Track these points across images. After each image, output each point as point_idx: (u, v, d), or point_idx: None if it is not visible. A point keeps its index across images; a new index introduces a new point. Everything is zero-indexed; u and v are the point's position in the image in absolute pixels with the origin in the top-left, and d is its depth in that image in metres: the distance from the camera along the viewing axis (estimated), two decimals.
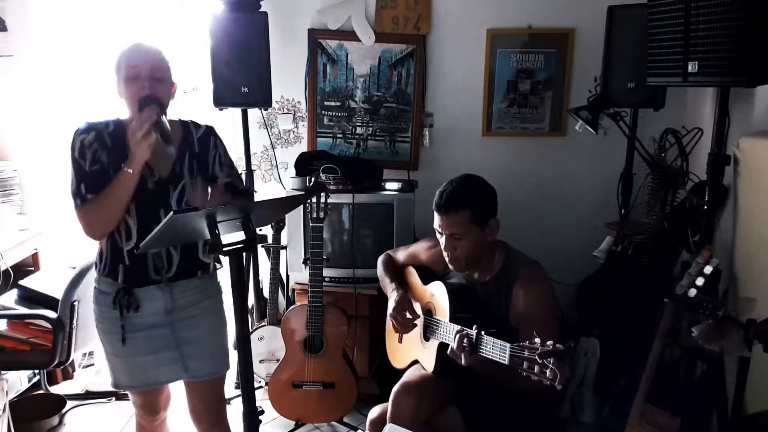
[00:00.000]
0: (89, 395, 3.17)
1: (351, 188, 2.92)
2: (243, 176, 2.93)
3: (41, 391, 3.13)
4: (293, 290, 3.11)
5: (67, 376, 3.33)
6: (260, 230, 3.05)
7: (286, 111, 3.44)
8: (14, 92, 3.23)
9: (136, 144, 1.71)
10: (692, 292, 1.77)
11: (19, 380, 3.12)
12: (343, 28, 3.29)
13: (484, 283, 2.09)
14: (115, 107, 1.90)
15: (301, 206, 2.86)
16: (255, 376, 1.79)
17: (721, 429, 2.05)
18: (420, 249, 2.34)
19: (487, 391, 1.94)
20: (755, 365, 1.84)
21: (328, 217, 2.66)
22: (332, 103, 3.40)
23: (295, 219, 3.00)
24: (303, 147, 3.45)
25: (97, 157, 1.81)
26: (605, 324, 2.90)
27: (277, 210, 2.27)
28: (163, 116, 1.74)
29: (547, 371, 1.55)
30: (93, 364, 3.41)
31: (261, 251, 3.37)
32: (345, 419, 2.88)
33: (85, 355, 3.40)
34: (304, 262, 2.90)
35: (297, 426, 2.88)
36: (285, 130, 3.48)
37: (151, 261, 1.86)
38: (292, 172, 3.18)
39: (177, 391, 2.12)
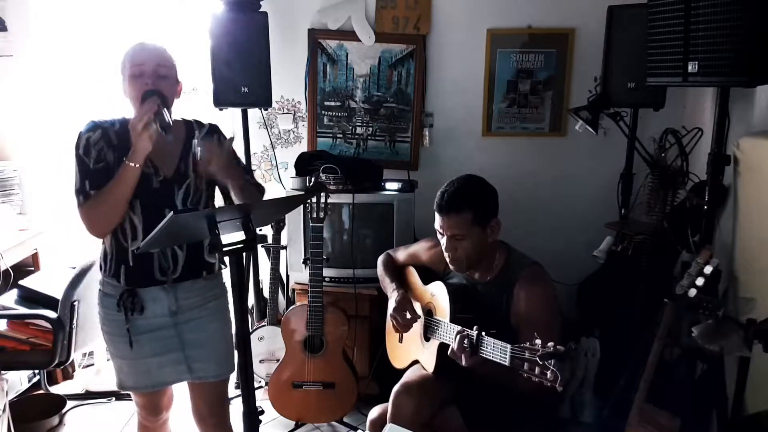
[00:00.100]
0: (89, 395, 3.17)
1: (351, 188, 2.92)
2: None
3: (41, 391, 3.13)
4: (293, 290, 3.11)
5: (67, 376, 3.33)
6: (260, 230, 3.05)
7: (286, 111, 3.44)
8: (14, 92, 3.23)
9: (137, 136, 1.70)
10: (692, 292, 1.77)
11: (19, 380, 3.12)
12: (343, 28, 3.29)
13: (484, 284, 2.08)
14: (116, 107, 1.90)
15: (301, 206, 2.86)
16: (255, 376, 1.78)
17: (721, 429, 2.05)
18: (420, 249, 2.34)
19: (488, 391, 1.94)
20: (755, 365, 1.84)
21: (328, 217, 2.66)
22: (332, 103, 3.40)
23: (295, 219, 3.00)
24: (303, 147, 3.45)
25: (102, 155, 1.80)
26: (605, 324, 2.90)
27: (277, 210, 2.26)
28: (165, 109, 1.73)
29: (548, 373, 1.54)
30: (93, 364, 3.41)
31: (261, 251, 3.38)
32: (345, 419, 2.88)
33: (85, 355, 3.40)
34: (304, 262, 2.90)
35: (297, 426, 2.88)
36: (285, 130, 3.48)
37: (156, 261, 1.85)
38: (292, 172, 3.18)
39: (179, 392, 2.12)
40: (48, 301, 2.65)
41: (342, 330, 2.75)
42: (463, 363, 1.82)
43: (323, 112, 3.41)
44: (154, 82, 1.77)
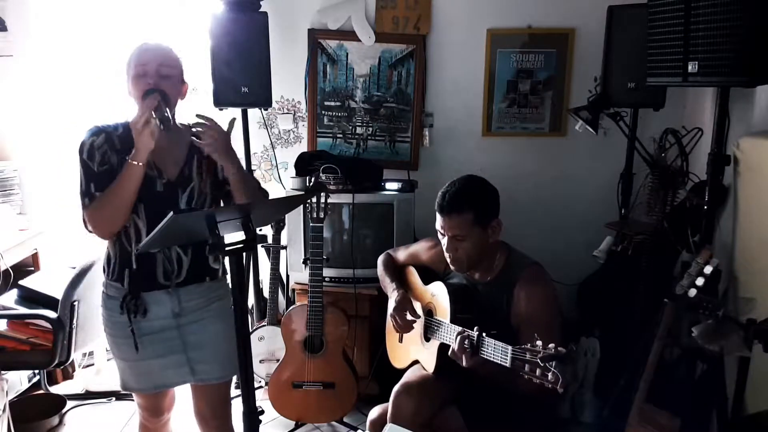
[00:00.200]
0: (89, 395, 3.17)
1: (351, 188, 2.92)
2: None
3: (41, 391, 3.13)
4: (293, 290, 3.11)
5: (67, 376, 3.33)
6: (260, 230, 3.05)
7: (286, 111, 3.45)
8: (14, 92, 3.23)
9: (138, 133, 1.70)
10: (692, 292, 1.77)
11: (19, 380, 3.12)
12: (343, 28, 3.29)
13: (485, 284, 2.08)
14: (116, 106, 1.90)
15: (301, 206, 2.86)
16: (255, 376, 1.78)
17: (721, 429, 2.05)
18: (420, 249, 2.33)
19: (488, 391, 1.94)
20: (755, 365, 1.84)
21: (328, 217, 2.66)
22: (332, 103, 3.40)
23: (295, 219, 3.00)
24: (303, 147, 3.45)
25: (106, 159, 1.81)
26: (605, 324, 2.90)
27: (277, 210, 2.26)
28: (165, 106, 1.73)
29: (549, 374, 1.54)
30: (93, 364, 3.41)
31: (261, 251, 3.37)
32: (345, 419, 2.88)
33: (85, 355, 3.40)
34: (304, 262, 2.90)
35: (297, 426, 2.88)
36: (285, 130, 3.48)
37: (160, 266, 1.85)
38: (292, 172, 3.18)
39: (180, 392, 2.12)
40: (48, 301, 2.65)
41: (342, 330, 2.75)
42: (464, 364, 1.81)
43: (323, 112, 3.41)
44: (157, 81, 1.77)
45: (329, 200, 2.65)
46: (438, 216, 2.01)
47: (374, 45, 3.29)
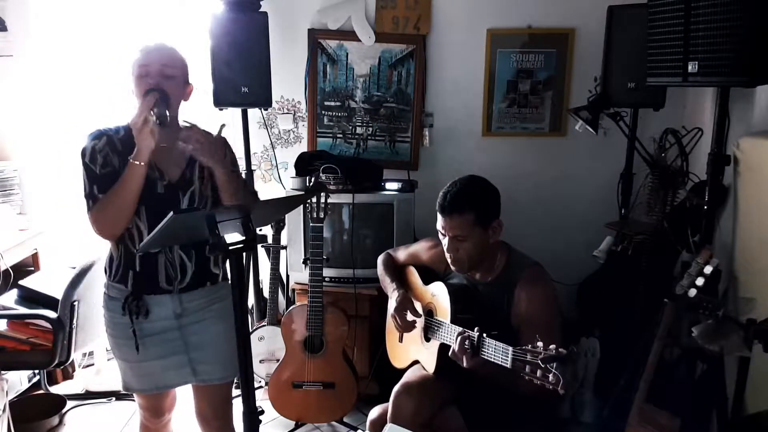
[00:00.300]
0: (89, 395, 3.17)
1: (351, 188, 2.92)
2: (244, 176, 2.93)
3: (41, 391, 3.13)
4: (293, 290, 3.11)
5: (67, 376, 3.33)
6: (260, 230, 3.05)
7: (286, 111, 3.45)
8: (14, 92, 3.22)
9: (137, 131, 1.71)
10: (692, 292, 1.77)
11: (19, 380, 3.12)
12: (343, 28, 3.29)
13: (485, 284, 2.08)
14: (116, 106, 1.90)
15: (301, 206, 2.86)
16: (255, 376, 1.78)
17: (721, 429, 2.05)
18: (421, 249, 2.33)
19: (488, 391, 1.94)
20: (755, 365, 1.84)
21: (328, 217, 2.66)
22: (332, 103, 3.40)
23: (295, 219, 3.00)
24: (303, 147, 3.45)
25: (108, 161, 1.81)
26: (605, 324, 2.90)
27: (277, 210, 2.26)
28: (164, 104, 1.73)
29: (550, 376, 1.54)
30: (93, 364, 3.41)
31: (261, 251, 3.37)
32: (345, 419, 2.88)
33: (85, 355, 3.40)
34: (304, 262, 2.90)
35: (297, 426, 2.88)
36: (285, 130, 3.48)
37: (163, 270, 1.86)
38: (292, 172, 3.18)
39: (181, 392, 2.12)
40: (48, 301, 2.65)
41: (342, 330, 2.75)
42: (465, 364, 1.81)
43: (323, 112, 3.41)
44: (159, 81, 1.77)
45: (329, 200, 2.65)
46: (439, 216, 2.01)
47: (374, 45, 3.29)
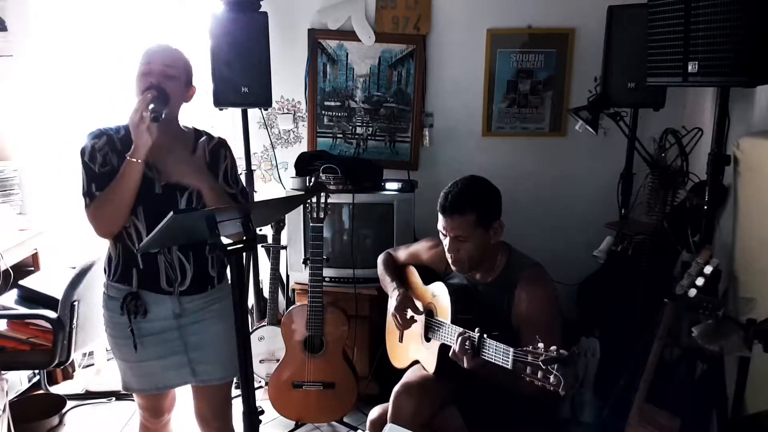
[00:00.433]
0: (89, 395, 3.17)
1: (351, 188, 2.92)
2: (243, 178, 2.93)
3: (41, 391, 3.13)
4: (293, 290, 3.11)
5: (67, 376, 3.33)
6: (260, 230, 3.05)
7: (286, 111, 3.44)
8: (14, 92, 3.22)
9: (134, 128, 1.71)
10: (692, 292, 1.77)
11: (19, 380, 3.12)
12: (343, 28, 3.29)
13: (485, 285, 2.08)
14: (116, 106, 1.90)
15: (301, 206, 2.86)
16: (255, 376, 1.78)
17: (721, 429, 2.05)
18: (421, 249, 2.33)
19: (488, 391, 1.94)
20: (755, 365, 1.84)
21: (328, 217, 2.66)
22: (332, 103, 3.40)
23: (295, 219, 3.00)
24: (303, 147, 3.45)
25: (107, 160, 1.81)
26: (605, 324, 2.90)
27: (277, 210, 2.26)
28: (161, 102, 1.73)
29: (551, 377, 1.53)
30: (93, 364, 3.41)
31: (261, 251, 3.37)
32: (345, 419, 2.88)
33: (85, 355, 3.40)
34: (304, 262, 2.90)
35: (297, 426, 2.88)
36: (285, 130, 3.48)
37: (163, 272, 1.86)
38: (292, 172, 3.18)
39: (181, 392, 2.12)
40: (48, 301, 2.65)
41: (342, 330, 2.75)
42: (465, 365, 1.81)
43: (323, 112, 3.41)
44: (160, 80, 1.77)
45: (329, 200, 2.65)
46: (440, 216, 2.00)
47: (374, 45, 3.29)
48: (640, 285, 2.61)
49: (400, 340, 2.33)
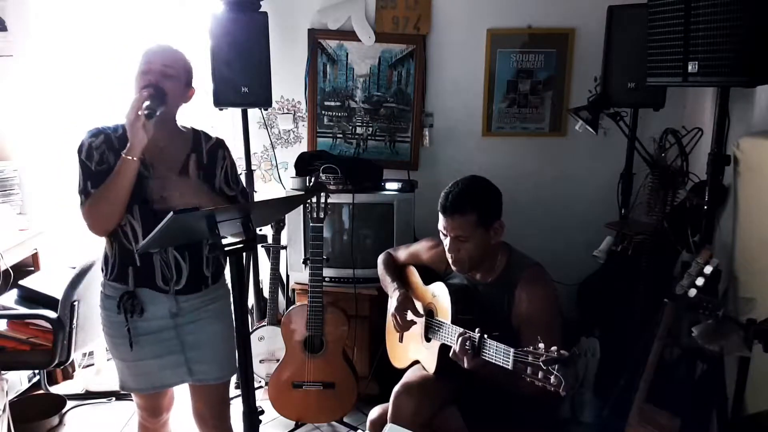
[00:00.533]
0: (89, 395, 3.17)
1: (351, 188, 2.92)
2: (243, 178, 2.93)
3: (41, 391, 3.13)
4: (293, 290, 3.11)
5: (67, 376, 3.33)
6: (260, 230, 3.05)
7: (286, 111, 3.44)
8: (14, 92, 3.23)
9: (129, 126, 1.71)
10: (692, 292, 1.77)
11: (19, 380, 3.12)
12: (343, 28, 3.29)
13: (486, 285, 2.08)
14: (115, 106, 1.91)
15: (301, 206, 2.86)
16: (255, 376, 1.79)
17: (721, 429, 2.05)
18: (421, 249, 2.33)
19: (488, 391, 1.94)
20: (755, 365, 1.84)
21: (328, 217, 2.66)
22: (332, 103, 3.40)
23: (295, 219, 3.00)
24: (303, 147, 3.45)
25: (104, 158, 1.81)
26: (605, 324, 2.90)
27: (277, 210, 2.26)
28: (156, 100, 1.73)
29: (552, 378, 1.53)
30: (93, 364, 3.41)
31: (261, 251, 3.37)
32: (345, 419, 2.88)
33: (85, 355, 3.40)
34: (304, 262, 2.90)
35: (297, 426, 2.88)
36: (285, 130, 3.48)
37: (159, 271, 1.85)
38: (292, 172, 3.18)
39: (179, 392, 2.12)
40: (48, 301, 2.65)
41: (342, 330, 2.75)
42: (466, 365, 1.81)
43: (323, 112, 3.41)
44: (159, 79, 1.78)
45: (329, 200, 2.65)
46: (441, 216, 2.00)
47: (374, 45, 3.29)
48: (640, 285, 2.61)
49: (400, 340, 2.33)
